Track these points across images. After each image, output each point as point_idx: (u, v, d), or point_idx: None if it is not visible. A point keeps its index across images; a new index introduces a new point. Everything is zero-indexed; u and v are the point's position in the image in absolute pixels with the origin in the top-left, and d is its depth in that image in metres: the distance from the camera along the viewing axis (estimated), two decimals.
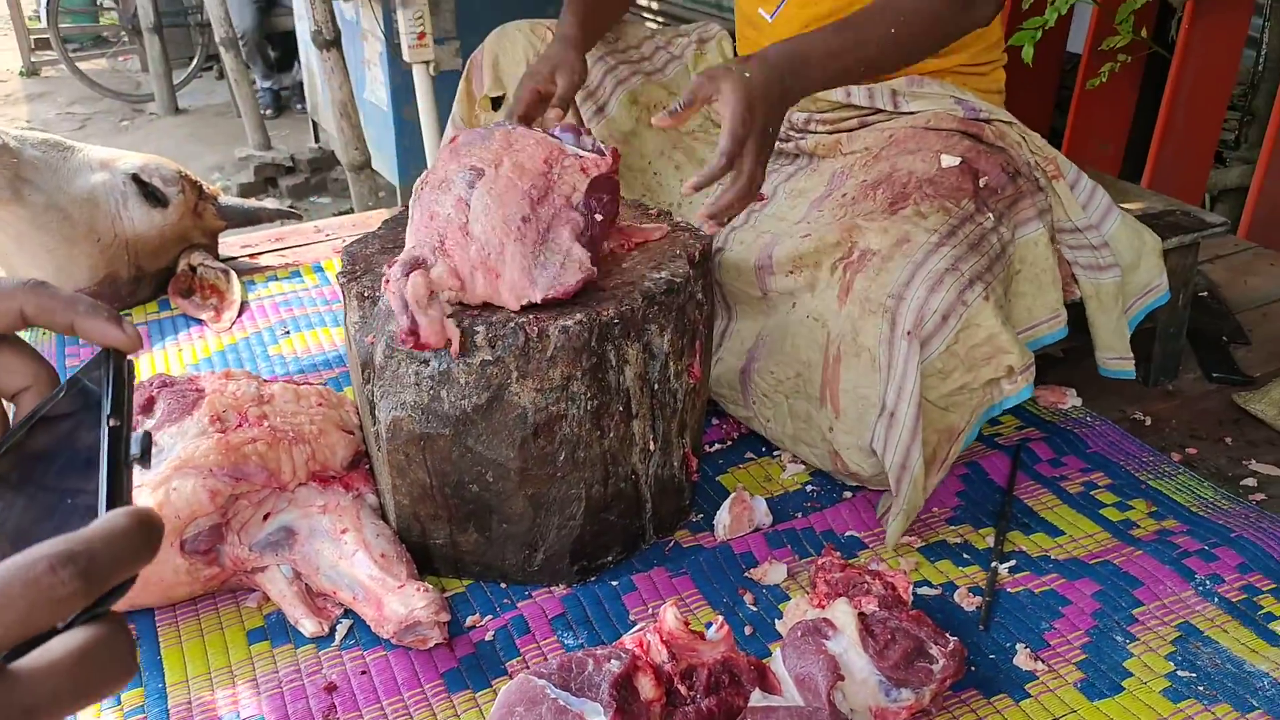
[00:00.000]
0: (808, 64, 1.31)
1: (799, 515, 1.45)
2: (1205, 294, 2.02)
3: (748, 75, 1.26)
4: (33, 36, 7.75)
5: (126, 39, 7.28)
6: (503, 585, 1.34)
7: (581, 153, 1.33)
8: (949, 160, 1.43)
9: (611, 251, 1.35)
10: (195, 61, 7.03)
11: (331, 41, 3.49)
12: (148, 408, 1.36)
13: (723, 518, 1.41)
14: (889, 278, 1.31)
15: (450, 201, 1.25)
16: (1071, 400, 1.70)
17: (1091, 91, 2.74)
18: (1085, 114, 2.85)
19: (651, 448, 1.34)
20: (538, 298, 1.20)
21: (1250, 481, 1.53)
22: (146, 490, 1.23)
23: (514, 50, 1.77)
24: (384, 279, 1.19)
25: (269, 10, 6.26)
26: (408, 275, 1.17)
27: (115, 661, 0.44)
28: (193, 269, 2.11)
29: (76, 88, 6.97)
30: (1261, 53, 2.65)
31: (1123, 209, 1.56)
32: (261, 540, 1.29)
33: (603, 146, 1.34)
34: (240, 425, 1.32)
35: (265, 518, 1.30)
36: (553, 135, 1.35)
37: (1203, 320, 1.92)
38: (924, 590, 1.32)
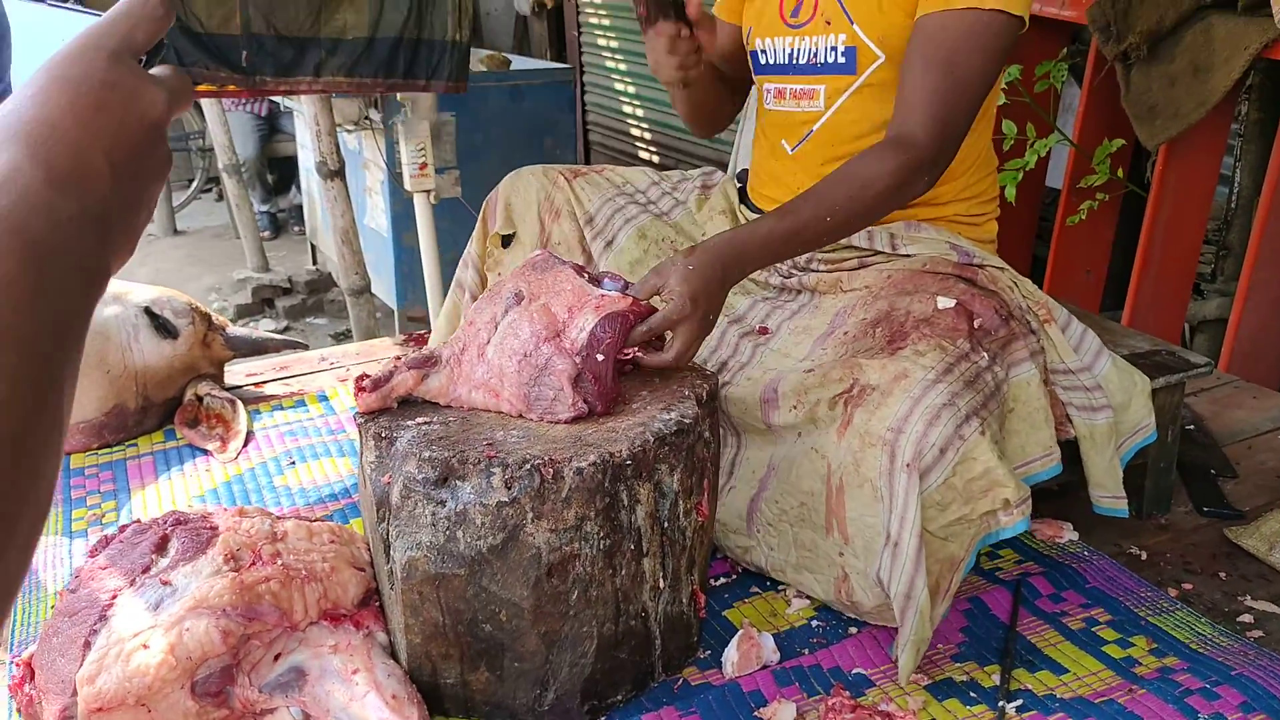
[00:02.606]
0: (746, 253, 1.45)
1: (806, 651, 1.46)
2: (1191, 427, 2.07)
3: (691, 268, 1.39)
4: None
5: None
6: None
7: (606, 293, 1.40)
8: (945, 302, 1.50)
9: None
10: (195, 184, 7.17)
11: (336, 172, 3.59)
12: (162, 546, 1.37)
13: (731, 655, 1.42)
14: (888, 411, 1.36)
15: (488, 315, 1.43)
16: (1068, 534, 1.73)
17: (1072, 226, 2.84)
18: (1066, 247, 2.96)
19: (661, 585, 1.36)
20: (533, 418, 1.35)
21: (1247, 618, 1.55)
22: (159, 631, 1.24)
23: (526, 192, 1.86)
24: (398, 357, 1.43)
25: (270, 137, 6.43)
26: (410, 369, 1.39)
27: (188, 85, 0.63)
28: (199, 399, 2.14)
29: None
30: (1234, 190, 2.76)
31: (1111, 352, 1.62)
32: (272, 681, 1.29)
33: (629, 291, 1.42)
34: (254, 564, 1.34)
35: (276, 658, 1.30)
36: (601, 283, 1.44)
37: (1191, 453, 1.97)
38: None
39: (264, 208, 6.52)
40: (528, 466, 1.23)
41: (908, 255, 1.65)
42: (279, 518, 1.46)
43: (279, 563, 1.35)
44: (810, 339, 1.60)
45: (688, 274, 1.39)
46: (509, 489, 1.23)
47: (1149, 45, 2.47)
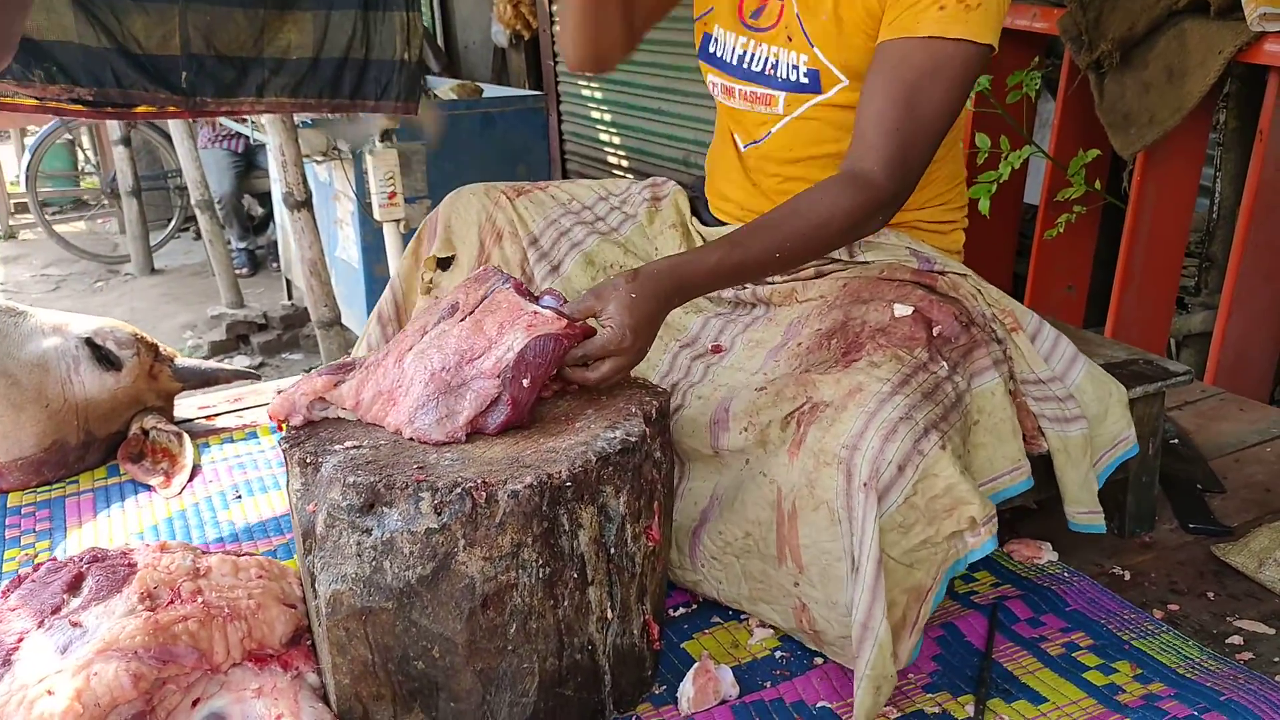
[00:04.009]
0: (689, 282, 1.39)
1: (768, 685, 1.37)
2: (1175, 441, 1.99)
3: (634, 296, 1.32)
4: (13, 200, 7.85)
5: (106, 202, 7.38)
6: None
7: (541, 310, 1.32)
8: (902, 310, 1.42)
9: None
10: (173, 223, 7.11)
11: (302, 203, 3.53)
12: (75, 585, 1.29)
13: (686, 690, 1.33)
14: (842, 428, 1.28)
15: (420, 324, 1.38)
16: (1047, 554, 1.65)
17: (1050, 240, 2.78)
18: (1046, 263, 2.89)
19: (609, 616, 1.27)
20: (406, 435, 1.27)
21: (1236, 639, 1.47)
22: (66, 675, 1.15)
23: (466, 213, 1.78)
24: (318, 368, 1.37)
25: (248, 173, 6.38)
26: (322, 375, 1.34)
27: None
28: (145, 432, 2.05)
29: (53, 250, 7.02)
30: (1215, 201, 2.70)
31: (1088, 360, 1.54)
32: None
33: (565, 313, 1.33)
34: (172, 602, 1.25)
35: (195, 703, 1.21)
36: (540, 300, 1.36)
37: (1175, 468, 1.89)
38: None
39: (241, 245, 6.47)
40: (458, 490, 1.15)
41: (865, 262, 1.58)
42: (204, 552, 1.37)
43: (199, 600, 1.26)
44: (763, 351, 1.53)
45: (630, 303, 1.32)
46: (438, 515, 1.15)
47: (1121, 52, 2.41)
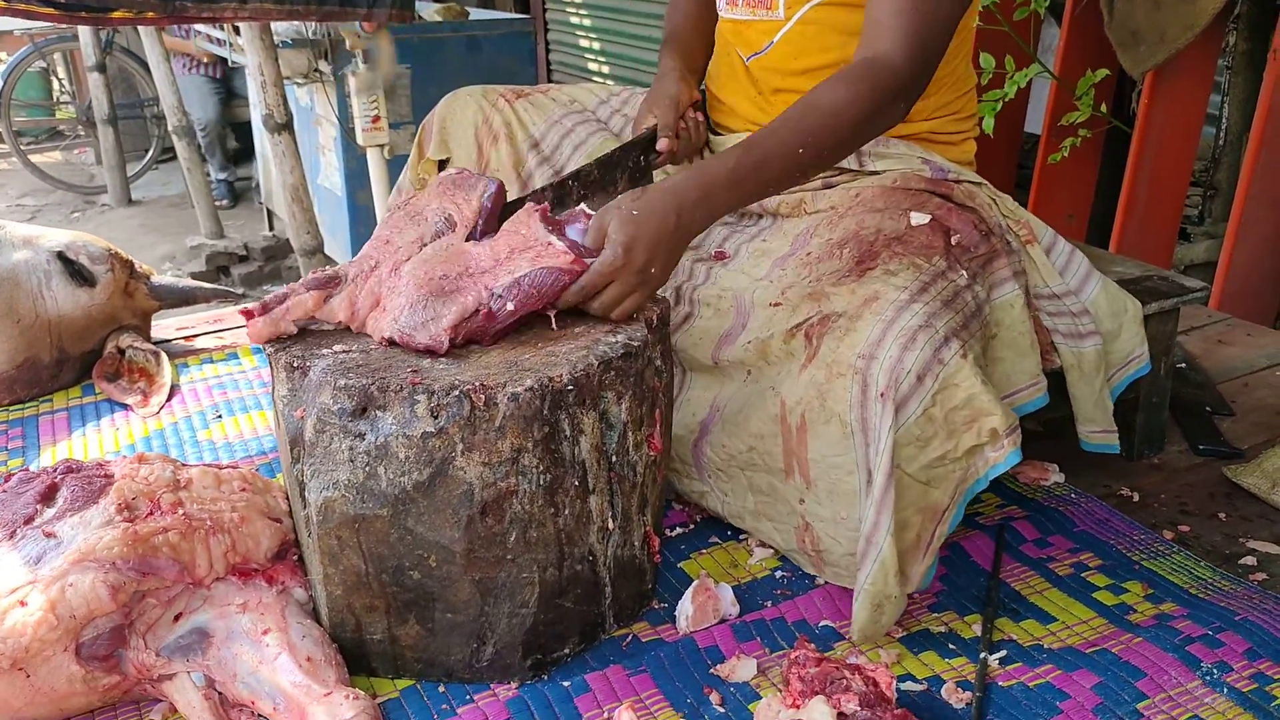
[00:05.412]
0: (712, 194, 1.27)
1: (769, 604, 1.33)
2: (1183, 365, 1.95)
3: (635, 213, 1.22)
4: None
5: (82, 132, 7.20)
6: (441, 690, 1.20)
7: (555, 243, 1.23)
8: (919, 218, 1.36)
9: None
10: (151, 153, 6.95)
11: (283, 125, 3.42)
12: (49, 495, 1.23)
13: (685, 608, 1.29)
14: (858, 337, 1.23)
15: (413, 235, 1.28)
16: (1054, 476, 1.61)
17: (1052, 166, 2.72)
18: (1047, 190, 2.83)
19: (610, 526, 1.22)
20: (386, 334, 1.19)
21: (1249, 560, 1.43)
22: (39, 587, 1.09)
23: (463, 115, 1.71)
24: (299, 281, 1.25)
25: (229, 101, 6.22)
26: (310, 290, 1.22)
27: None
28: (120, 351, 1.98)
29: (28, 180, 6.86)
30: (1222, 129, 2.64)
31: (1103, 275, 1.49)
32: (171, 644, 1.15)
33: (585, 246, 1.24)
34: (151, 514, 1.19)
35: (177, 618, 1.16)
36: (565, 229, 1.27)
37: (1184, 391, 1.85)
38: (908, 685, 1.20)
39: (222, 175, 6.33)
40: (456, 393, 1.09)
41: (876, 172, 1.51)
42: (185, 465, 1.31)
43: (180, 512, 1.20)
44: (769, 260, 1.46)
45: (627, 219, 1.21)
46: (435, 418, 1.09)
47: None
